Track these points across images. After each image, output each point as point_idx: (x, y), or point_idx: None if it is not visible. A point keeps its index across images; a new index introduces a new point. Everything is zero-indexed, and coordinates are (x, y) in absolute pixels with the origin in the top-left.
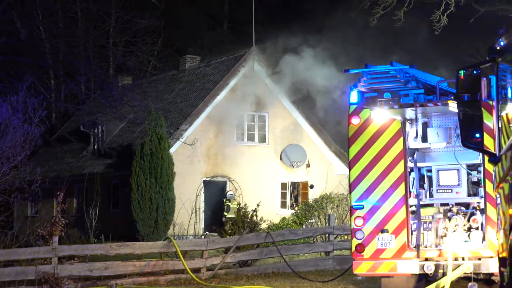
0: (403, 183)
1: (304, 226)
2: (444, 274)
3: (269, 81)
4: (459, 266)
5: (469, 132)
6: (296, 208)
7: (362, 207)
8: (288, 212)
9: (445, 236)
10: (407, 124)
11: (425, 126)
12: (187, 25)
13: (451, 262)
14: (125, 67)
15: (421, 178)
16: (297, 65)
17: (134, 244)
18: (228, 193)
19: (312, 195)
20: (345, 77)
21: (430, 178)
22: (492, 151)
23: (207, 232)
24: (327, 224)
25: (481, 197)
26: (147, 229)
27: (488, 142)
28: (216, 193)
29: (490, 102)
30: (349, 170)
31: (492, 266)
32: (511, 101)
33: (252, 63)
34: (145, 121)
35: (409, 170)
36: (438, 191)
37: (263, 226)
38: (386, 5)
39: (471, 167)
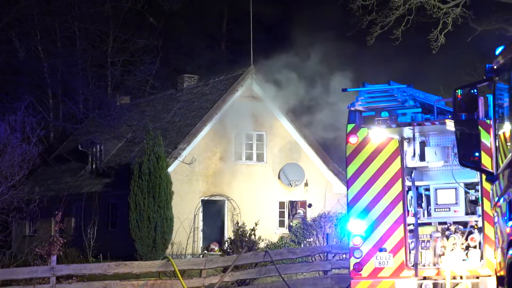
0: (401, 202)
1: (302, 245)
2: None
3: (267, 100)
4: (457, 285)
5: (467, 151)
6: (294, 225)
7: None
8: (286, 231)
9: (443, 254)
10: (405, 143)
11: (422, 145)
12: (185, 45)
13: (449, 280)
14: (123, 86)
15: (419, 196)
16: (294, 84)
17: (133, 264)
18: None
19: (311, 214)
20: (342, 96)
21: (428, 196)
22: (490, 170)
23: (206, 251)
24: (325, 243)
25: (479, 215)
26: (146, 248)
27: (486, 161)
28: (214, 212)
29: (488, 121)
30: (347, 189)
31: (490, 285)
32: (508, 119)
33: (250, 83)
34: (143, 140)
35: (407, 189)
36: (436, 209)
37: (262, 245)
38: (384, 24)
39: (469, 186)
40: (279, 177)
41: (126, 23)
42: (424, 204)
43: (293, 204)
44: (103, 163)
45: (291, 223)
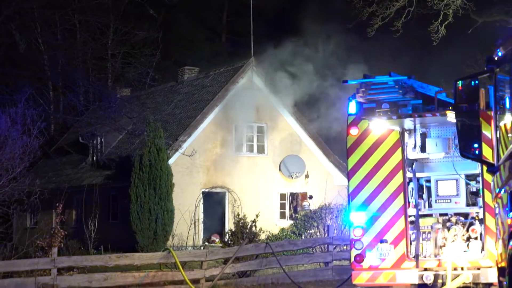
0: (402, 193)
1: (303, 237)
2: (443, 284)
3: (267, 92)
4: (458, 276)
5: (468, 142)
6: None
7: None
8: (287, 223)
9: (444, 246)
10: (406, 135)
11: (423, 136)
12: (185, 37)
13: (450, 272)
14: (123, 78)
15: (420, 188)
16: (294, 76)
17: (134, 255)
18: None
19: (311, 205)
20: (343, 87)
21: (429, 188)
22: (491, 161)
23: (206, 243)
24: (326, 235)
25: (480, 207)
26: (146, 240)
27: (487, 152)
28: (215, 204)
29: (489, 112)
30: (348, 181)
31: (491, 276)
32: (509, 111)
33: (250, 75)
34: (144, 132)
35: (407, 180)
36: (437, 201)
37: (262, 236)
38: (384, 16)
39: (470, 177)
40: (279, 169)
41: (126, 16)
42: (425, 196)
43: (293, 196)
44: (104, 155)
45: (297, 215)
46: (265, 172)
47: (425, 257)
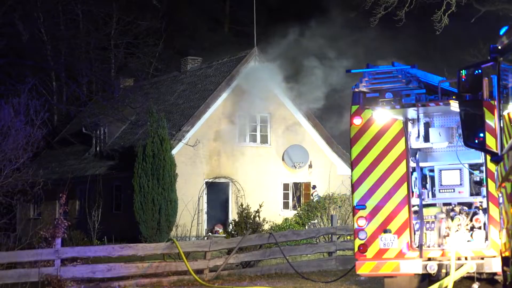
0: (406, 183)
1: (306, 227)
2: (447, 274)
3: (270, 82)
4: (462, 265)
5: (471, 131)
6: (299, 208)
7: (364, 207)
8: (290, 213)
9: (447, 235)
10: (409, 124)
11: (427, 126)
12: (188, 27)
13: (454, 261)
14: (126, 68)
15: (424, 178)
16: (297, 65)
17: (137, 246)
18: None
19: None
20: (346, 77)
21: (432, 178)
22: (494, 150)
23: (210, 233)
24: (330, 225)
25: (484, 196)
26: (150, 230)
27: (490, 141)
28: (218, 194)
29: (492, 102)
30: (352, 171)
31: (495, 266)
32: None
33: (253, 64)
34: (147, 122)
35: (411, 170)
36: (441, 190)
37: (266, 227)
38: (387, 6)
39: (473, 167)
40: (283, 159)
41: (129, 6)
42: (428, 185)
43: (297, 186)
44: (107, 145)
45: (302, 206)
46: (268, 162)
47: (428, 247)
